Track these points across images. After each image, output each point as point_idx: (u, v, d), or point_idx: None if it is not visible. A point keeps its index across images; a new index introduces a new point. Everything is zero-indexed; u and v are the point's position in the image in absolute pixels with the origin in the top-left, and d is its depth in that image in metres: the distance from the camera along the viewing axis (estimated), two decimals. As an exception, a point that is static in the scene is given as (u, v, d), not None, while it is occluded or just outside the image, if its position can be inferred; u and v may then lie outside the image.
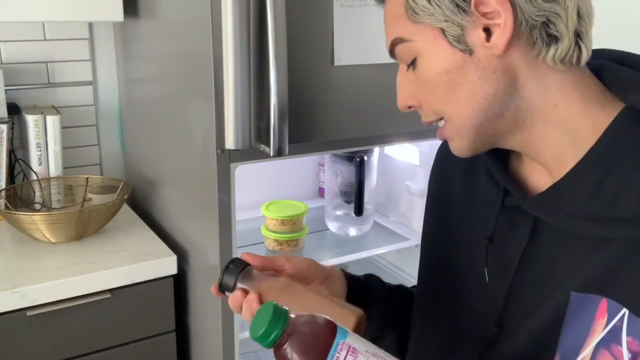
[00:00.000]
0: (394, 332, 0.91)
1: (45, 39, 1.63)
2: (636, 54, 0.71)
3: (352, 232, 1.76)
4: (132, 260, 1.31)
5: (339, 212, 1.77)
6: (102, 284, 1.27)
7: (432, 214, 0.89)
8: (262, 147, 1.11)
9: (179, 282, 1.40)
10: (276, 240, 1.59)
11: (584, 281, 0.66)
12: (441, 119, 0.70)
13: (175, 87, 1.35)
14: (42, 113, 1.53)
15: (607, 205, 0.62)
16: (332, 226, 1.78)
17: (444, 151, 0.88)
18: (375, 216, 1.84)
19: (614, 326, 0.64)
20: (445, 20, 0.63)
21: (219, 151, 1.14)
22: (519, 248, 0.72)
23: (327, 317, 0.65)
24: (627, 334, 0.63)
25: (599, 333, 0.65)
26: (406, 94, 0.71)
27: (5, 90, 1.50)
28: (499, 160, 0.75)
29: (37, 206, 1.53)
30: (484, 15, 0.63)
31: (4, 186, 1.50)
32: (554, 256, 0.70)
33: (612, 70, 0.68)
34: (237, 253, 1.22)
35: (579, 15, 0.63)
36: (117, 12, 1.42)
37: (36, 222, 1.32)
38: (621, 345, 0.63)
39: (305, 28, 1.15)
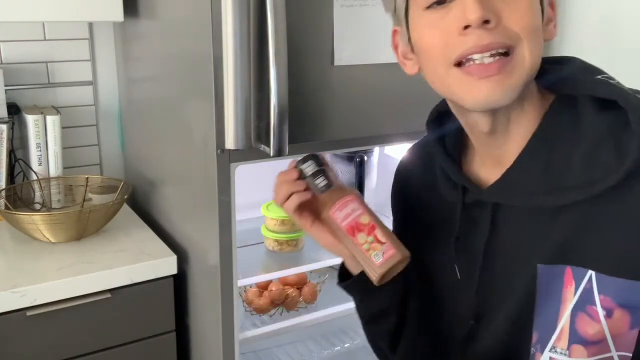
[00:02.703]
0: (395, 317, 0.91)
1: (45, 39, 1.63)
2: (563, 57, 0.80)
3: (352, 232, 1.75)
4: (132, 260, 1.31)
5: (339, 212, 1.76)
6: (102, 284, 1.27)
7: (402, 232, 0.94)
8: (262, 147, 1.11)
9: (179, 282, 1.40)
10: (276, 240, 1.59)
11: (547, 253, 0.72)
12: (511, 49, 0.67)
13: (175, 87, 1.35)
14: (42, 113, 1.53)
15: (557, 177, 0.71)
16: (332, 226, 1.77)
17: (399, 175, 0.96)
18: (375, 216, 1.83)
19: (584, 289, 0.70)
20: None
21: (219, 151, 1.14)
22: (482, 240, 0.78)
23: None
24: (599, 293, 0.69)
25: (570, 300, 0.71)
26: (488, 7, 0.65)
27: (5, 90, 1.50)
28: (455, 164, 0.82)
29: (37, 206, 1.53)
30: None
31: (4, 186, 1.50)
32: (516, 239, 0.76)
33: (547, 70, 0.75)
34: (237, 253, 1.23)
35: None
36: (117, 12, 1.42)
37: (36, 222, 1.32)
38: (595, 304, 0.70)
39: (305, 28, 1.15)
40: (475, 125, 0.76)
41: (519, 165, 0.74)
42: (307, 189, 0.83)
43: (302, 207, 0.85)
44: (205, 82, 1.12)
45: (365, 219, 0.79)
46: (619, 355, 0.70)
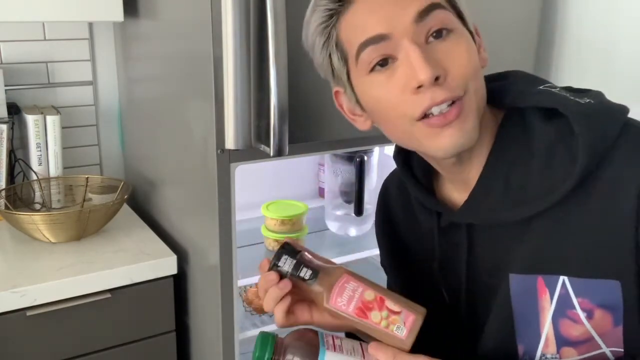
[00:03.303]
0: None
1: (45, 39, 1.63)
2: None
3: (352, 232, 1.76)
4: (132, 260, 1.31)
5: (339, 212, 1.77)
6: (102, 284, 1.27)
7: (390, 261, 0.96)
8: (262, 147, 1.11)
9: (179, 282, 1.40)
10: (276, 240, 1.59)
11: (519, 266, 0.73)
12: (461, 96, 0.69)
13: (175, 87, 1.35)
14: (42, 113, 1.53)
15: (517, 191, 0.72)
16: (332, 226, 1.78)
17: (383, 199, 0.96)
18: (375, 216, 1.84)
19: (560, 295, 0.71)
20: (467, 17, 0.72)
21: (219, 151, 1.14)
22: (463, 262, 0.80)
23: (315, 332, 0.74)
24: (576, 296, 0.70)
25: (548, 308, 0.73)
26: (435, 63, 0.67)
27: (5, 90, 1.50)
28: (426, 191, 0.83)
29: (37, 206, 1.53)
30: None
31: (4, 186, 1.50)
32: (491, 256, 0.77)
33: (491, 87, 0.76)
34: (237, 253, 1.23)
35: None
36: (117, 12, 1.42)
37: (36, 222, 1.32)
38: (575, 308, 0.71)
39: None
40: (441, 161, 0.77)
41: (481, 185, 0.76)
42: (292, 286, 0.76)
43: (292, 305, 0.79)
44: (205, 82, 1.12)
45: (370, 295, 0.72)
46: (611, 351, 0.72)
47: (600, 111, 0.71)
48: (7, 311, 1.18)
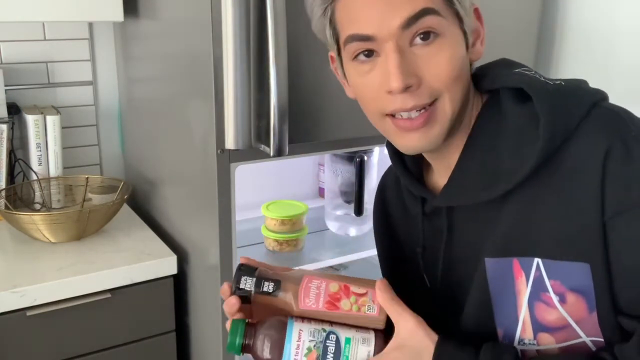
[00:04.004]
0: None
1: (45, 39, 1.63)
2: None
3: (352, 232, 1.75)
4: (132, 260, 1.31)
5: (339, 212, 1.76)
6: (102, 284, 1.27)
7: (381, 250, 0.98)
8: (262, 147, 1.11)
9: (179, 282, 1.40)
10: (276, 240, 1.59)
11: (494, 248, 0.73)
12: (432, 102, 0.72)
13: (175, 87, 1.35)
14: (42, 113, 1.53)
15: (491, 172, 0.73)
16: (332, 226, 1.78)
17: (381, 192, 0.97)
18: (375, 216, 1.84)
19: (535, 278, 0.71)
20: (465, 15, 0.72)
21: (219, 151, 1.14)
22: (442, 247, 0.81)
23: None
24: (549, 279, 0.70)
25: (524, 291, 0.73)
26: (409, 71, 0.69)
27: (5, 90, 1.50)
28: (414, 178, 0.85)
29: (37, 206, 1.53)
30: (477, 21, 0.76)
31: (4, 186, 1.50)
32: (468, 239, 0.78)
33: (474, 72, 0.79)
34: (237, 253, 1.23)
35: None
36: (117, 12, 1.42)
37: (36, 222, 1.32)
38: (548, 291, 0.71)
39: (305, 28, 1.14)
40: None
41: (459, 167, 0.77)
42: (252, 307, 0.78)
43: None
44: (205, 82, 1.12)
45: (335, 287, 0.75)
46: (591, 341, 0.71)
47: (566, 92, 0.71)
48: (7, 311, 1.18)
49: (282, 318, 0.75)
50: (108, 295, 1.28)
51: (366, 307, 0.74)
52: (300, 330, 0.73)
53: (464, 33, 0.73)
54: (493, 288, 0.74)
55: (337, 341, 0.72)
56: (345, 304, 0.74)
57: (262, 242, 1.64)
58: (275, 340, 0.73)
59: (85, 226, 1.37)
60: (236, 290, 0.76)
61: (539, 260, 0.70)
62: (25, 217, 1.32)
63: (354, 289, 0.75)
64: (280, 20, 1.03)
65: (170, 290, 1.37)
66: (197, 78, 1.17)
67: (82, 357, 1.30)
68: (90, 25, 1.68)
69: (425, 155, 0.83)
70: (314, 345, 0.72)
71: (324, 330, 0.73)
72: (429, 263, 0.85)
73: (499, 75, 0.76)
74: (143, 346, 1.36)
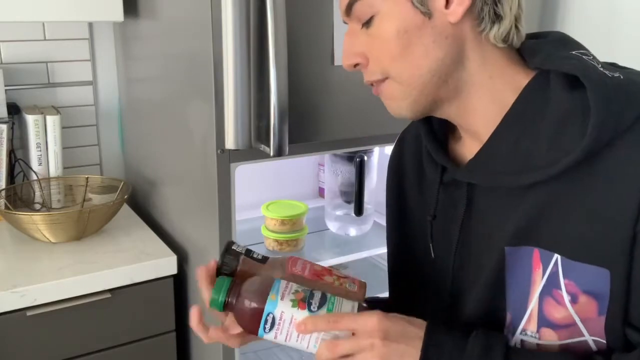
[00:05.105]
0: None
1: (45, 39, 1.63)
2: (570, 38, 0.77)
3: (352, 232, 1.75)
4: (132, 260, 1.31)
5: (339, 212, 1.76)
6: (102, 284, 1.27)
7: (391, 201, 0.95)
8: (262, 147, 1.11)
9: (179, 282, 1.40)
10: (276, 240, 1.59)
11: (514, 235, 0.71)
12: (385, 79, 0.73)
13: (175, 87, 1.35)
14: (42, 113, 1.53)
15: (524, 157, 0.70)
16: (332, 226, 1.78)
17: (398, 147, 0.94)
18: (376, 216, 1.84)
19: (551, 273, 0.70)
20: None
21: (219, 151, 1.14)
22: (458, 221, 0.79)
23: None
24: (564, 277, 0.69)
25: (539, 283, 0.71)
26: (355, 52, 0.73)
27: (5, 90, 1.50)
28: (438, 143, 0.82)
29: (37, 206, 1.53)
30: None
31: (4, 186, 1.50)
32: (488, 219, 0.76)
33: (526, 45, 0.75)
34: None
35: (518, 3, 0.73)
36: (117, 12, 1.42)
37: (36, 222, 1.32)
38: (560, 289, 0.69)
39: (305, 28, 1.15)
40: None
41: (490, 145, 0.74)
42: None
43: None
44: (205, 82, 1.12)
45: (319, 267, 0.81)
46: (593, 340, 0.70)
47: (624, 89, 0.66)
48: (7, 311, 1.18)
49: (269, 277, 0.78)
50: (108, 295, 1.28)
51: (347, 284, 0.79)
52: (288, 282, 0.76)
53: (412, 2, 0.69)
54: (509, 273, 0.73)
55: (323, 293, 0.75)
56: (328, 279, 0.80)
57: (262, 242, 1.64)
58: (261, 290, 0.74)
59: (85, 226, 1.37)
60: (225, 255, 0.80)
61: (559, 256, 0.68)
62: (25, 217, 1.32)
63: (336, 272, 0.81)
64: (280, 20, 1.03)
65: (170, 290, 1.37)
66: (197, 78, 1.17)
67: (82, 357, 1.29)
68: (90, 25, 1.68)
69: (451, 120, 0.79)
70: (302, 290, 0.74)
71: (311, 287, 0.77)
72: (438, 233, 0.82)
73: (552, 56, 0.70)
74: (143, 346, 1.36)
